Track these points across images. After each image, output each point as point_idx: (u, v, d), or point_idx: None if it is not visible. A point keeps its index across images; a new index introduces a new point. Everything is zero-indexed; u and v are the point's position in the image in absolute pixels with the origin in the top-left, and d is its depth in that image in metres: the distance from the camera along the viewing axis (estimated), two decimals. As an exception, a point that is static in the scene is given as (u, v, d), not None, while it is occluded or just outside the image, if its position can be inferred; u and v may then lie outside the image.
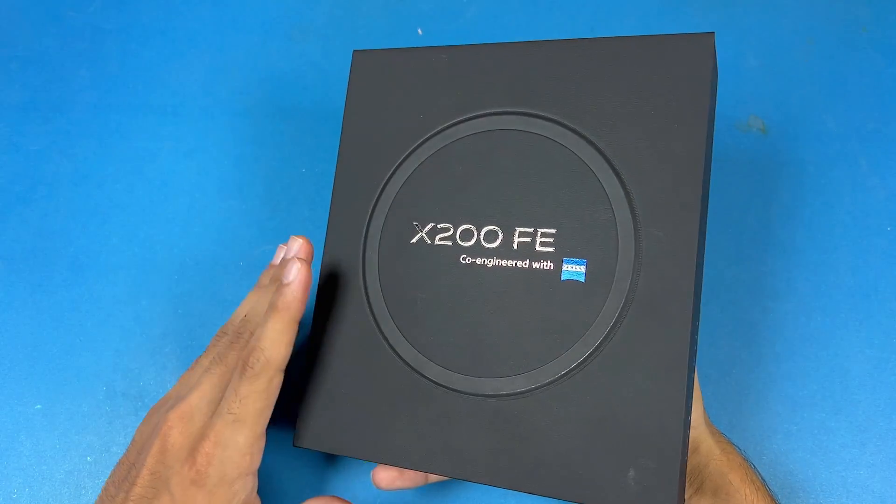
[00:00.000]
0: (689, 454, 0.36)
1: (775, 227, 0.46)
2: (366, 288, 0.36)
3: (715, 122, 0.49)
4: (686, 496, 0.36)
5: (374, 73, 0.38)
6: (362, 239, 0.36)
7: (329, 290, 0.37)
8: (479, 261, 0.34)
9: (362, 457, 0.34)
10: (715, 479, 0.35)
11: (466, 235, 0.34)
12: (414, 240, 0.35)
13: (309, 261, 0.36)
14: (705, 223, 0.33)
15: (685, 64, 0.32)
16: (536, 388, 0.32)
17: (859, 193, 0.46)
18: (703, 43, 0.32)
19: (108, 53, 0.53)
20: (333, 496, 0.35)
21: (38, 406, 0.44)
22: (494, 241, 0.34)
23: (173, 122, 0.51)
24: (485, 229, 0.34)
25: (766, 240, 0.45)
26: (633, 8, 0.51)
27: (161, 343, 0.45)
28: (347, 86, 0.39)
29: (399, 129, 0.37)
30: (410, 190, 0.36)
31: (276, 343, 0.33)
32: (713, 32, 0.32)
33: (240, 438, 0.32)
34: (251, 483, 0.34)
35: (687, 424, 0.30)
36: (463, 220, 0.35)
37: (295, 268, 0.34)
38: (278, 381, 0.34)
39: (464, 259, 0.34)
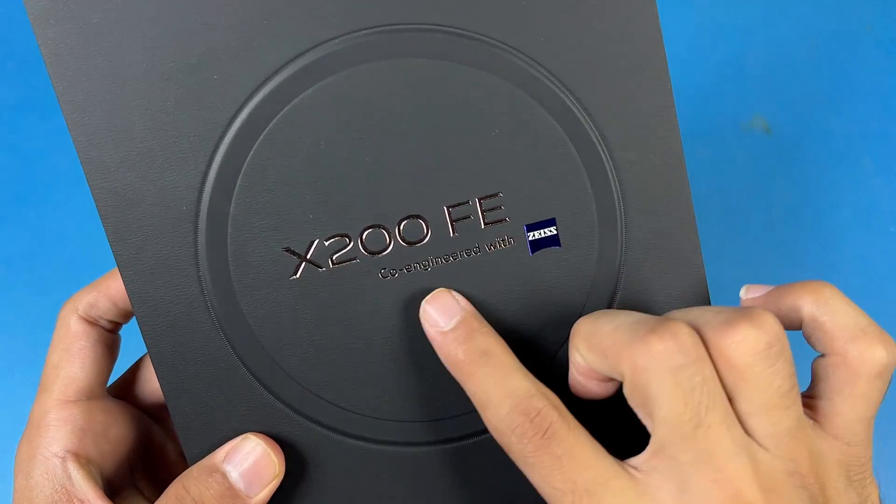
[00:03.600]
0: None
1: (779, 227, 0.46)
2: (255, 375, 0.24)
3: (718, 119, 0.49)
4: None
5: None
6: (205, 305, 0.23)
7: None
8: (406, 269, 0.24)
9: None
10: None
11: (376, 241, 0.23)
12: (297, 274, 0.23)
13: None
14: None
15: None
16: None
17: (863, 193, 0.46)
18: None
19: (108, 52, 0.53)
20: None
21: (38, 407, 0.44)
22: (420, 235, 0.23)
23: (173, 121, 0.51)
24: (402, 223, 0.23)
25: (770, 240, 0.45)
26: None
27: (161, 344, 0.45)
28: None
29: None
30: (250, 198, 0.23)
31: None
32: None
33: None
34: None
35: None
36: (362, 221, 0.23)
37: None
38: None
39: (384, 275, 0.23)
